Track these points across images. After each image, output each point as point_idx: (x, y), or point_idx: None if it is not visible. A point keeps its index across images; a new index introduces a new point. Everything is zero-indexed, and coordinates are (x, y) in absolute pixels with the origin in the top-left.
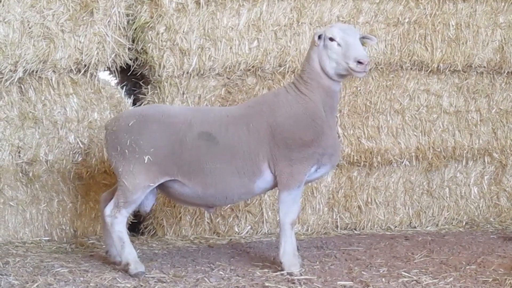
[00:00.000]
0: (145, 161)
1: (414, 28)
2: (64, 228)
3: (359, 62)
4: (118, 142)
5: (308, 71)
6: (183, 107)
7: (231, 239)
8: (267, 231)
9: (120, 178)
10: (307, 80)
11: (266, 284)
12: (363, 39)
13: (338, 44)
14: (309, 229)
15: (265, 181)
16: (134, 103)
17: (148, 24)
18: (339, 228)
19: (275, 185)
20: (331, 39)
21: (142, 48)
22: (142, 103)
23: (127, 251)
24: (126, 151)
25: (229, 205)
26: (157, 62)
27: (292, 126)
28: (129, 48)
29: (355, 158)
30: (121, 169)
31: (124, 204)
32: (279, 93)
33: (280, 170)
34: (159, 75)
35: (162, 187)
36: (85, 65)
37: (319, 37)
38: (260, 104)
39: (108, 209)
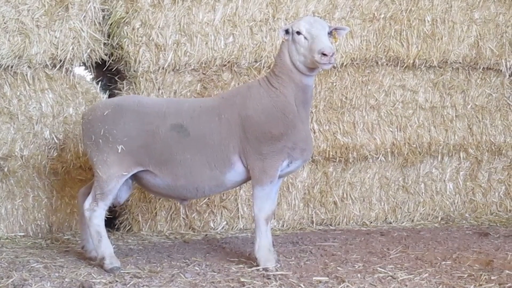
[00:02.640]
0: (119, 151)
1: (390, 23)
2: (39, 223)
3: (323, 54)
4: (93, 132)
5: (279, 65)
6: (158, 98)
7: (206, 235)
8: (243, 226)
9: (95, 168)
10: (279, 74)
11: (242, 279)
12: (336, 31)
13: (305, 38)
14: (285, 224)
15: (236, 174)
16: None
17: (123, 19)
18: (314, 224)
19: (248, 178)
20: (298, 33)
21: (117, 43)
22: None
23: (104, 245)
24: (100, 140)
25: (204, 201)
26: (132, 57)
27: (262, 119)
28: (104, 43)
29: (331, 153)
30: (96, 159)
31: (100, 195)
32: (252, 86)
33: (252, 165)
34: (134, 71)
35: (135, 178)
36: (60, 60)
37: (287, 31)
38: (233, 96)
39: (87, 203)
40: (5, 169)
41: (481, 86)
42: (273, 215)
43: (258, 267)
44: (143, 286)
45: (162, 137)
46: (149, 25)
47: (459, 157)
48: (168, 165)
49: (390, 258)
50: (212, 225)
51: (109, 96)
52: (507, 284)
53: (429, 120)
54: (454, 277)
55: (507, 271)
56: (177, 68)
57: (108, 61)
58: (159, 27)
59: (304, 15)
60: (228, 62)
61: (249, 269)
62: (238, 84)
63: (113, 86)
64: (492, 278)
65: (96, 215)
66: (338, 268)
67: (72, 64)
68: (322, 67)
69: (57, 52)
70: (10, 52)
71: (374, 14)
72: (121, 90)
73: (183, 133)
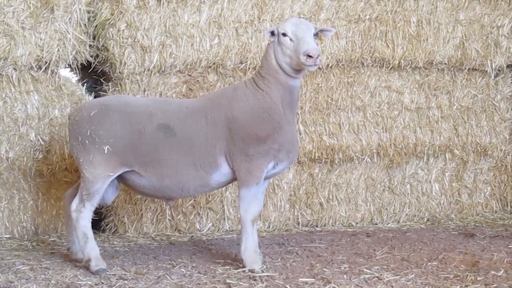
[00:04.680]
0: (105, 152)
1: (375, 25)
2: (25, 225)
3: (309, 56)
4: (80, 132)
5: (265, 67)
6: (145, 98)
7: (192, 236)
8: (229, 228)
9: (81, 169)
10: (265, 75)
11: (228, 281)
12: (322, 32)
13: (291, 39)
14: (271, 226)
15: (221, 174)
16: None
17: (109, 21)
18: (300, 225)
19: (233, 179)
20: (284, 34)
21: (103, 45)
22: None
23: (90, 247)
24: (87, 141)
25: (190, 202)
26: (118, 59)
27: (248, 120)
28: (90, 45)
29: (317, 155)
30: (82, 159)
31: (87, 196)
32: (238, 87)
33: (238, 166)
34: (120, 72)
35: (121, 178)
36: (46, 62)
37: (272, 33)
38: (219, 97)
39: (74, 204)
40: None
41: (466, 87)
42: (259, 216)
43: (244, 269)
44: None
45: (148, 137)
46: (135, 26)
47: (445, 158)
48: (154, 165)
49: (376, 259)
50: (198, 227)
51: (95, 98)
52: (493, 284)
53: (414, 121)
54: (440, 278)
55: (493, 272)
56: (163, 70)
57: (94, 63)
58: (144, 28)
59: (290, 16)
60: (214, 63)
61: (235, 270)
62: (224, 85)
63: (98, 88)
64: (478, 278)
65: (83, 216)
66: (324, 269)
67: (58, 66)
68: (307, 69)
69: (43, 54)
70: None
71: (359, 15)
72: (106, 92)
73: (169, 134)
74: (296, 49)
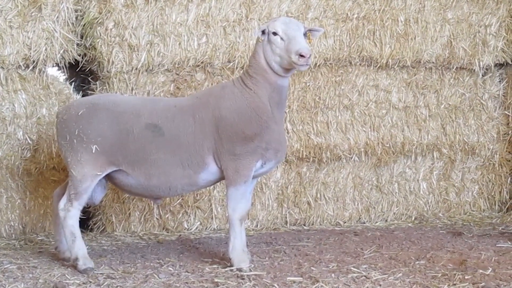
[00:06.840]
0: (93, 151)
1: (363, 23)
2: (12, 224)
3: (301, 55)
4: (68, 131)
5: (254, 66)
6: (133, 97)
7: (180, 235)
8: (217, 227)
9: (69, 168)
10: (253, 75)
11: (216, 280)
12: (310, 32)
13: (281, 38)
14: (259, 224)
15: (209, 173)
16: None
17: (96, 20)
18: (288, 224)
19: (220, 178)
20: (274, 34)
21: (90, 44)
22: None
23: (78, 246)
24: (74, 140)
25: (178, 201)
26: (105, 58)
27: (235, 119)
28: (77, 44)
29: (304, 153)
30: (70, 158)
31: (75, 195)
32: (226, 86)
33: (225, 165)
34: (108, 71)
35: (108, 177)
36: (33, 61)
37: (263, 32)
38: (207, 96)
39: (62, 203)
40: None
41: (454, 86)
42: (247, 215)
43: (232, 268)
44: (117, 286)
45: (136, 137)
46: (122, 25)
47: (433, 156)
48: (142, 164)
49: (364, 258)
50: (186, 226)
51: (83, 97)
52: (481, 283)
53: (402, 120)
54: (428, 277)
55: (480, 271)
56: (150, 69)
57: (81, 62)
58: (132, 27)
59: (277, 15)
60: (202, 62)
61: (223, 269)
62: (212, 84)
63: (86, 87)
64: (466, 277)
65: (71, 216)
66: (312, 268)
67: (45, 65)
68: (298, 68)
69: (30, 53)
70: None
71: (347, 14)
72: (94, 91)
73: (157, 133)
74: (288, 48)
